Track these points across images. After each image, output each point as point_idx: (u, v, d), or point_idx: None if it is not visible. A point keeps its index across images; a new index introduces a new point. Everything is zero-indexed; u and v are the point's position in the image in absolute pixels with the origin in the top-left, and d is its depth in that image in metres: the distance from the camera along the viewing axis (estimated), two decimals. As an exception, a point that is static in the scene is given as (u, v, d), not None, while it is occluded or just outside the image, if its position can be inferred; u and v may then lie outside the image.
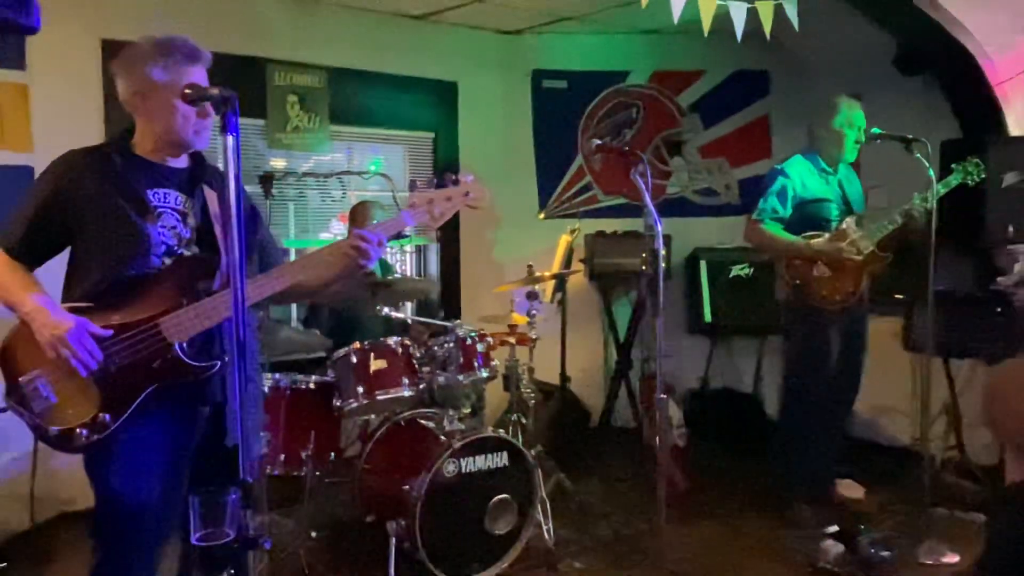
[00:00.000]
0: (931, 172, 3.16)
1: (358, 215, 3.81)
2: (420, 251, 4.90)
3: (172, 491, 1.86)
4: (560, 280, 4.09)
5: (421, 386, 3.14)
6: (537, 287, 3.62)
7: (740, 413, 4.72)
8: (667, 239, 4.72)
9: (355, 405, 3.02)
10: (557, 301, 4.29)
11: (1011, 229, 3.74)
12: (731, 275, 4.80)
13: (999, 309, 3.65)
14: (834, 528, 3.20)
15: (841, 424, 3.74)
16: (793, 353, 3.64)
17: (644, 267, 4.59)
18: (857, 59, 4.38)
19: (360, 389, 3.01)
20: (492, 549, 3.02)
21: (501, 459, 3.06)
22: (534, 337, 3.49)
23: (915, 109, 4.21)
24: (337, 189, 4.30)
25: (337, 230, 4.56)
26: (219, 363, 1.85)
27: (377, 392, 3.02)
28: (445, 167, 4.76)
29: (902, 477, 3.84)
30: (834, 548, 3.09)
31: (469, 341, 3.20)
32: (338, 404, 3.05)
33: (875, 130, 3.39)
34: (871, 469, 3.95)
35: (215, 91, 1.52)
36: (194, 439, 1.91)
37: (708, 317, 4.81)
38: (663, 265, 4.63)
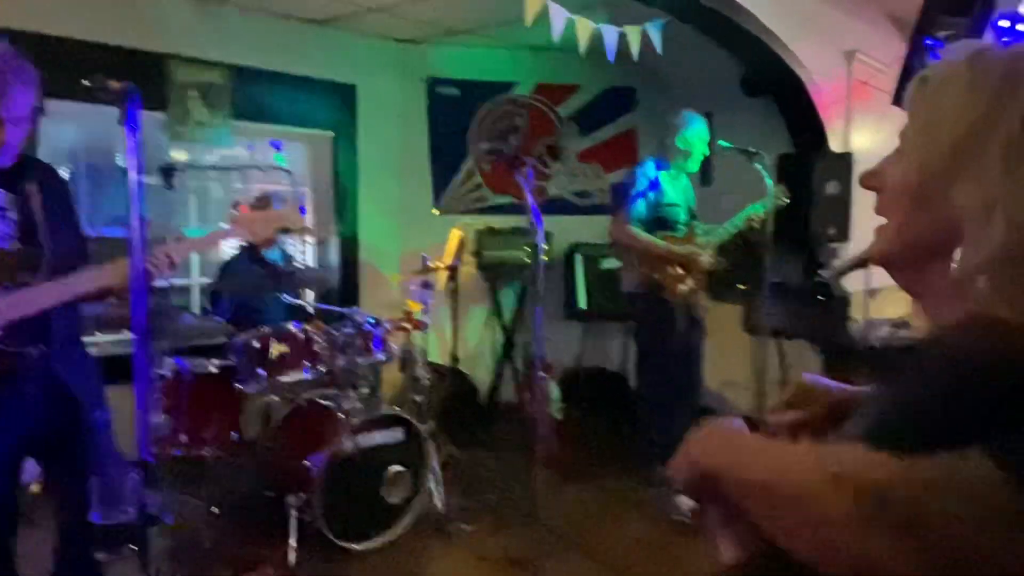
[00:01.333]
0: (768, 181, 3.38)
1: (259, 207, 3.66)
2: (321, 243, 4.76)
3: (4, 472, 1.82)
4: (452, 271, 4.09)
5: (322, 369, 3.07)
6: (431, 277, 3.60)
7: (609, 389, 4.89)
8: (547, 235, 4.80)
9: (257, 388, 2.92)
10: (450, 290, 4.28)
11: (832, 230, 4.06)
12: (603, 268, 4.95)
13: (821, 297, 3.95)
14: (687, 486, 3.37)
15: (692, 396, 3.93)
16: (646, 338, 3.79)
17: (528, 260, 4.67)
18: (710, 81, 4.59)
19: (262, 372, 2.91)
20: (388, 517, 3.01)
21: (397, 434, 3.04)
22: (427, 323, 3.47)
23: (757, 126, 4.46)
24: (238, 182, 4.11)
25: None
26: (35, 350, 1.76)
27: (278, 375, 2.93)
28: (345, 164, 4.65)
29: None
30: (687, 501, 3.27)
31: (367, 327, 3.16)
32: (240, 387, 2.94)
33: (724, 143, 3.58)
34: (718, 434, 4.19)
35: (116, 85, 1.43)
36: (24, 423, 1.82)
37: (582, 304, 4.95)
38: (544, 259, 4.79)
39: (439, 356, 4.58)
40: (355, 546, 2.88)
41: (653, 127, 5.09)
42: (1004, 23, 3.10)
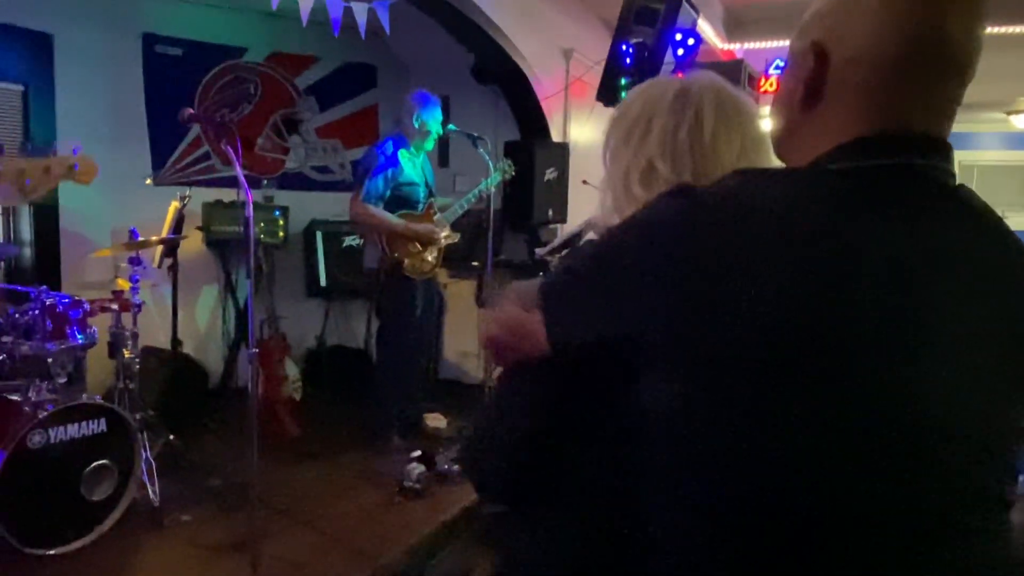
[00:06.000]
0: (491, 165, 3.63)
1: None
2: (8, 212, 4.11)
3: None
4: (169, 246, 3.79)
5: (1, 357, 2.69)
6: (142, 252, 3.31)
7: (352, 366, 4.91)
8: (285, 210, 4.67)
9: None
10: (167, 267, 3.97)
11: (550, 212, 4.48)
12: (344, 245, 4.93)
13: (541, 272, 4.35)
14: (417, 453, 3.54)
15: (426, 368, 4.11)
16: (387, 315, 3.89)
17: (263, 236, 4.50)
18: (446, 65, 4.76)
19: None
20: (90, 516, 2.75)
21: (99, 425, 2.78)
22: (138, 303, 3.20)
23: (488, 112, 4.75)
24: None
25: None
26: None
27: (-62, 366, 2.52)
28: (39, 123, 4.06)
29: (477, 407, 4.38)
30: (417, 468, 3.42)
31: (60, 308, 2.83)
32: None
33: (451, 126, 3.77)
34: (455, 402, 4.40)
35: None
36: None
37: (324, 282, 4.90)
38: (281, 234, 4.64)
39: (162, 339, 4.24)
40: (48, 551, 2.60)
41: (394, 106, 5.14)
42: (679, 36, 3.65)
